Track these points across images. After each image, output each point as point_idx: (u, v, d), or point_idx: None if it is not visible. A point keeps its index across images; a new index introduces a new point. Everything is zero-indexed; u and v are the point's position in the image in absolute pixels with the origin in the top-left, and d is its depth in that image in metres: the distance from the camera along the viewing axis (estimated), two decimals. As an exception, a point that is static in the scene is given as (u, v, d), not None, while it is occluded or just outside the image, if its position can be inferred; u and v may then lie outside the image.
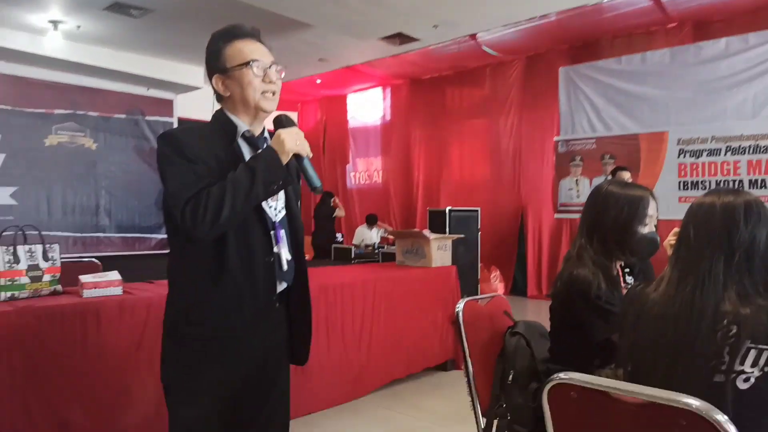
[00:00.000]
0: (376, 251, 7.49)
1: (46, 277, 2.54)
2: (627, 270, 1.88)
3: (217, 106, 1.59)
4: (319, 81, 9.35)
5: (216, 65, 1.53)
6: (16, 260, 2.45)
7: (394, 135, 10.00)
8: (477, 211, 6.90)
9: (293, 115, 10.98)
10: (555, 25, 6.82)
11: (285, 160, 1.44)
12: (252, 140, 1.55)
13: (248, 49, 1.52)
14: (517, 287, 8.19)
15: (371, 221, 8.40)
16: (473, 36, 7.11)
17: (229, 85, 1.52)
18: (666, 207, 6.13)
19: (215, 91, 1.56)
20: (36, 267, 2.50)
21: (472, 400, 1.87)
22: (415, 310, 4.03)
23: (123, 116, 8.22)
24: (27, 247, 2.50)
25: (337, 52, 7.62)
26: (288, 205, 1.61)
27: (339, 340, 3.51)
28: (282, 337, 1.63)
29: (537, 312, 6.95)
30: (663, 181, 6.81)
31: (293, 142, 1.45)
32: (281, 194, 1.58)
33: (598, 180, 7.22)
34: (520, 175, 8.26)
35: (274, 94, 1.54)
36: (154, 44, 7.25)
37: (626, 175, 5.02)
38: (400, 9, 5.77)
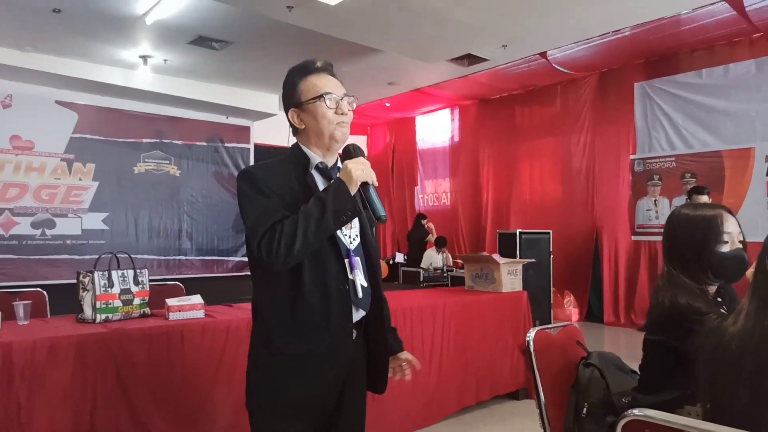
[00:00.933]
0: (445, 275, 7.47)
1: (137, 301, 2.72)
2: (719, 300, 1.78)
3: (293, 139, 1.68)
4: (388, 104, 9.52)
5: (292, 99, 1.62)
6: (111, 284, 2.64)
7: (462, 156, 9.98)
8: (548, 233, 6.75)
9: (362, 140, 11.21)
10: (629, 40, 6.63)
11: (353, 190, 1.49)
12: (325, 171, 1.62)
13: (321, 83, 1.60)
14: (592, 313, 7.88)
15: (440, 244, 8.39)
16: (543, 54, 7.04)
17: (304, 118, 1.61)
18: (754, 227, 5.76)
19: (291, 125, 1.65)
20: (128, 291, 2.69)
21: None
22: (485, 337, 3.98)
23: (204, 144, 8.72)
24: (120, 271, 2.69)
25: (406, 75, 7.75)
26: (362, 233, 1.66)
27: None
28: (360, 363, 1.67)
29: (614, 340, 6.67)
30: (750, 200, 6.41)
31: (360, 171, 1.50)
32: (355, 222, 1.64)
33: (679, 200, 6.89)
34: (593, 195, 8.02)
35: (346, 124, 1.61)
36: (232, 74, 7.66)
37: (703, 199, 4.77)
38: (469, 30, 5.81)
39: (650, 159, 7.42)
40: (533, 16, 5.55)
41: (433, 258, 8.35)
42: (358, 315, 1.62)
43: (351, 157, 1.57)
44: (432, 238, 8.85)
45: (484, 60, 6.93)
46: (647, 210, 7.43)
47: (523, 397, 4.17)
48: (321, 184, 1.60)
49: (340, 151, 1.65)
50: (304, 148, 1.63)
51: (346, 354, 1.59)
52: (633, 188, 7.59)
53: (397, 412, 3.38)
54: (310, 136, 1.62)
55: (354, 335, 1.61)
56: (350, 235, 1.63)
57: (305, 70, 1.63)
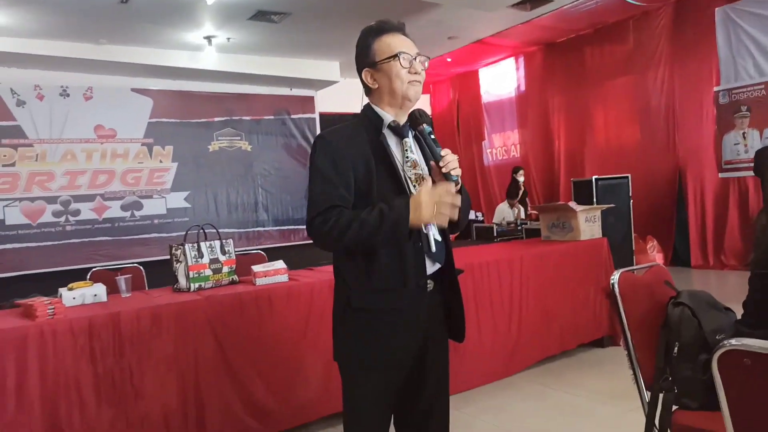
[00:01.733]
0: (519, 228, 7.34)
1: (225, 269, 2.88)
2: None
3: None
4: (449, 60, 9.31)
5: (365, 60, 1.64)
6: (200, 255, 2.81)
7: (530, 105, 9.66)
8: (627, 177, 6.44)
9: (425, 99, 11.06)
10: (707, -38, 6.12)
11: (415, 226, 1.50)
12: (397, 129, 1.65)
13: (395, 42, 1.61)
14: (678, 257, 7.54)
15: (512, 195, 8.23)
16: (612, -12, 6.62)
17: (378, 77, 1.63)
18: None
19: (364, 85, 1.67)
20: (216, 260, 2.85)
21: (635, 374, 1.81)
22: (565, 286, 3.92)
23: (272, 117, 8.92)
24: (208, 243, 2.86)
25: (466, 27, 7.53)
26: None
27: (489, 319, 3.54)
28: (439, 314, 1.71)
29: (704, 281, 6.39)
30: None
31: (430, 214, 1.48)
32: (427, 176, 1.64)
33: (772, 131, 6.39)
34: (674, 134, 7.57)
35: (419, 83, 1.63)
36: (293, 46, 7.74)
37: None
38: (529, -27, 5.55)
39: (737, 89, 6.89)
40: (598, -53, 5.22)
41: (504, 212, 8.22)
42: (433, 268, 1.65)
43: (416, 123, 1.61)
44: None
45: (548, 1, 6.60)
46: (735, 144, 6.95)
47: (608, 345, 4.11)
48: (393, 144, 1.64)
49: (407, 116, 1.67)
50: (376, 108, 1.66)
51: (423, 307, 1.63)
52: (718, 122, 7.11)
53: (479, 363, 3.43)
54: (384, 96, 1.64)
55: (432, 286, 1.65)
56: None
57: (379, 30, 1.64)
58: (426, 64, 1.65)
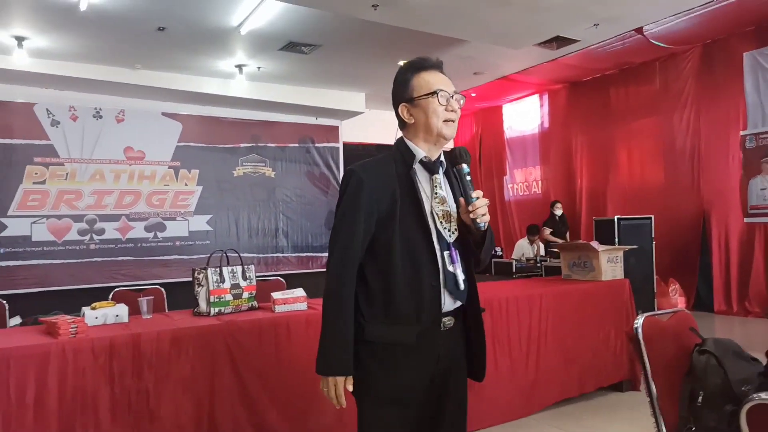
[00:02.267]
0: (539, 264, 7.28)
1: (245, 295, 2.90)
2: None
3: (398, 133, 1.74)
4: (474, 94, 9.40)
5: (403, 95, 1.67)
6: (222, 280, 2.84)
7: (553, 142, 9.67)
8: (650, 218, 6.40)
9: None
10: (736, 6, 6.13)
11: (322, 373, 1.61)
12: (428, 165, 1.67)
13: (434, 79, 1.65)
14: (701, 302, 7.39)
15: (533, 232, 8.18)
16: (639, 30, 6.64)
17: (414, 113, 1.66)
18: None
19: (399, 119, 1.70)
20: (237, 286, 2.87)
21: (656, 422, 1.77)
22: (585, 327, 3.86)
23: (296, 145, 9.05)
24: (230, 268, 2.89)
25: (491, 63, 7.63)
26: (460, 225, 1.69)
27: (506, 356, 3.49)
28: (459, 352, 1.70)
29: (727, 329, 6.24)
30: None
31: (324, 389, 1.61)
32: (455, 213, 1.67)
33: (800, 177, 6.30)
34: (699, 176, 7.50)
35: (454, 122, 1.65)
36: (321, 76, 7.90)
37: None
38: (556, 12, 5.60)
39: (764, 134, 6.83)
40: (625, -10, 5.28)
41: (524, 248, 8.16)
42: (455, 305, 1.65)
43: (456, 162, 1.64)
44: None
45: (574, 41, 6.66)
46: (761, 189, 6.86)
47: (628, 389, 4.02)
48: (423, 179, 1.66)
49: (447, 150, 1.71)
50: (409, 143, 1.69)
51: (440, 344, 1.62)
52: (744, 166, 7.03)
53: (495, 401, 3.38)
54: (419, 131, 1.67)
55: (452, 324, 1.65)
56: (450, 228, 1.66)
57: (418, 66, 1.67)
58: (462, 102, 1.68)
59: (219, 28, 6.04)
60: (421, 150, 1.67)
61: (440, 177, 1.68)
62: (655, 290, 6.35)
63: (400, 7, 5.24)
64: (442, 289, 1.61)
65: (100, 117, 7.62)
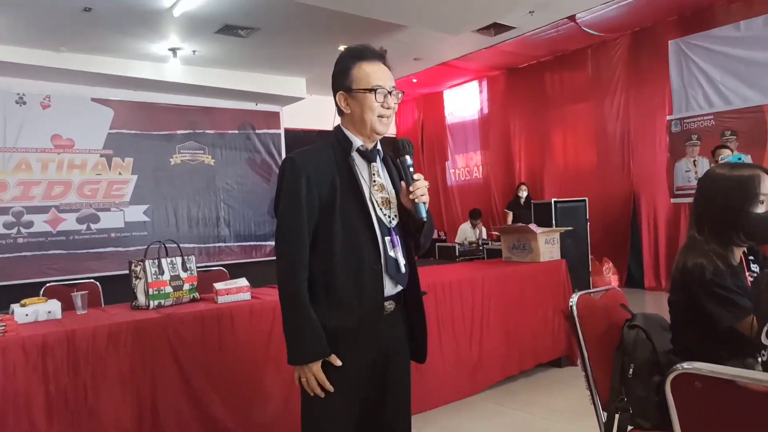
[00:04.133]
0: (481, 248, 7.46)
1: (186, 286, 2.83)
2: (751, 258, 1.79)
3: (336, 119, 1.74)
4: (415, 80, 9.46)
5: (342, 83, 1.66)
6: (161, 272, 2.76)
7: (492, 128, 9.88)
8: (584, 201, 6.66)
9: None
10: (660, -4, 6.42)
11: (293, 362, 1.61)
12: (365, 154, 1.69)
13: (374, 73, 1.63)
14: (632, 279, 7.79)
15: (475, 216, 8.36)
16: (572, 17, 6.86)
17: (351, 104, 1.66)
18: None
19: (337, 106, 1.69)
20: (177, 277, 2.80)
21: (592, 395, 1.86)
22: (525, 307, 4.00)
23: (236, 132, 8.85)
24: (169, 259, 2.81)
25: (431, 49, 7.69)
26: (400, 210, 1.71)
27: (451, 338, 3.57)
28: (401, 335, 1.73)
29: (656, 304, 6.59)
30: (796, 155, 6.20)
31: (297, 375, 1.62)
32: (394, 200, 1.69)
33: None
34: (629, 159, 7.86)
35: (389, 118, 1.66)
36: (260, 61, 7.73)
37: (726, 153, 4.67)
38: (493, -1, 5.71)
39: (688, 119, 7.21)
40: (559, -21, 5.43)
41: (467, 232, 8.34)
42: (396, 289, 1.67)
43: (398, 154, 1.66)
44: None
45: (511, 28, 6.81)
46: (686, 171, 7.26)
47: (566, 365, 4.20)
48: (361, 165, 1.67)
49: (382, 143, 1.73)
50: (346, 131, 1.69)
51: (382, 328, 1.64)
52: (671, 150, 7.42)
53: (440, 382, 3.45)
54: (354, 122, 1.67)
55: (393, 307, 1.67)
56: (389, 214, 1.68)
57: (360, 56, 1.65)
58: (400, 98, 1.68)
59: (150, 9, 5.78)
60: (357, 140, 1.68)
61: (378, 165, 1.70)
62: (590, 269, 6.63)
63: (340, -9, 5.19)
64: (383, 274, 1.63)
65: (24, 103, 7.19)
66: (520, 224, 4.62)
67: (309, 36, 6.79)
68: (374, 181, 1.67)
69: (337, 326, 1.59)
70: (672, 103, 7.37)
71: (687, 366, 1.21)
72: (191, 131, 8.43)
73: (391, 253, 1.64)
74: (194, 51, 7.12)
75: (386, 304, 1.65)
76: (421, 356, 1.77)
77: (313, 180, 1.59)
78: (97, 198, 7.69)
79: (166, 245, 2.89)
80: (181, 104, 8.33)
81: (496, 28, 6.75)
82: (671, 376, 1.24)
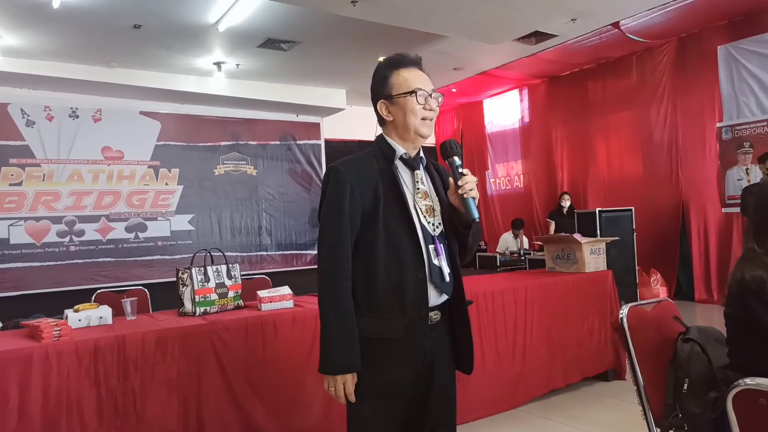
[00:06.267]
0: (522, 258, 7.34)
1: (231, 294, 2.88)
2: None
3: (378, 130, 1.74)
4: (454, 90, 9.43)
5: (382, 92, 1.67)
6: (207, 279, 2.81)
7: (533, 137, 9.74)
8: (630, 210, 6.49)
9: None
10: (708, 1, 6.23)
11: (326, 371, 1.59)
12: (409, 162, 1.68)
13: (412, 77, 1.64)
14: (681, 291, 7.52)
15: (517, 227, 8.24)
16: (616, 24, 6.72)
17: (393, 110, 1.66)
18: None
19: (378, 115, 1.70)
20: (222, 285, 2.85)
21: (644, 410, 1.80)
22: (570, 318, 3.91)
23: (277, 142, 9.00)
24: (214, 267, 2.86)
25: (471, 59, 7.66)
26: (444, 219, 1.69)
27: (493, 349, 3.52)
28: (445, 346, 1.70)
29: (707, 317, 6.35)
30: None
31: (326, 386, 1.59)
32: (438, 207, 1.68)
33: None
34: (678, 168, 7.62)
35: (432, 120, 1.66)
36: (301, 73, 7.85)
37: None
38: (534, 7, 5.65)
39: (739, 125, 6.96)
40: (603, -15, 5.34)
41: (508, 242, 8.23)
42: (441, 299, 1.65)
43: (447, 155, 1.64)
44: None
45: (552, 36, 6.72)
46: (738, 180, 6.99)
47: (613, 378, 4.07)
48: (404, 174, 1.67)
49: (439, 147, 1.72)
50: (389, 139, 1.69)
51: (426, 338, 1.62)
52: (721, 158, 7.16)
53: (482, 394, 3.40)
54: (397, 129, 1.67)
55: (438, 318, 1.65)
56: (434, 222, 1.66)
57: (397, 63, 1.67)
58: (440, 101, 1.68)
59: (196, 25, 5.96)
60: (400, 147, 1.67)
61: (421, 173, 1.69)
62: (637, 280, 6.44)
63: (379, 3, 5.23)
64: (428, 283, 1.61)
65: (77, 116, 7.49)
66: (564, 234, 4.53)
67: (349, 48, 6.86)
68: (418, 188, 1.66)
69: (380, 336, 1.58)
70: (722, 109, 7.13)
71: (750, 382, 1.16)
72: (234, 142, 8.62)
73: (435, 262, 1.62)
74: (238, 64, 7.30)
75: (432, 314, 1.63)
76: (467, 367, 1.75)
77: (356, 188, 1.59)
78: (145, 207, 7.92)
79: (212, 254, 2.95)
80: (225, 116, 8.54)
81: (537, 36, 6.68)
82: (733, 392, 1.18)
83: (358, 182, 1.60)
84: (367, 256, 1.59)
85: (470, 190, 1.59)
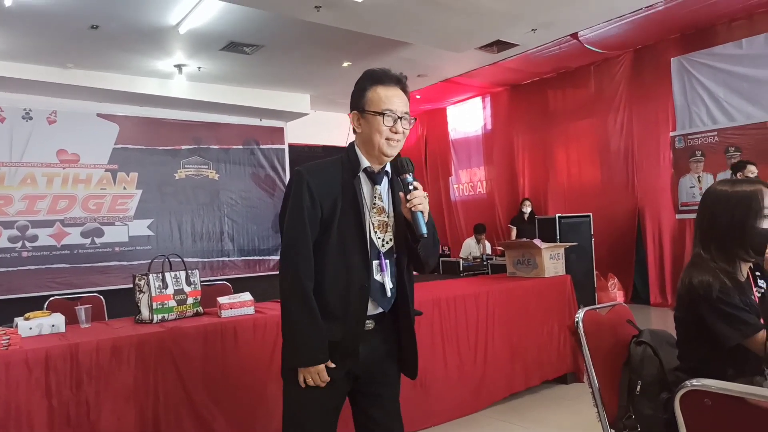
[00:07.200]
0: (485, 263, 7.44)
1: (190, 300, 2.83)
2: (758, 274, 1.78)
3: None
4: (418, 96, 9.50)
5: (357, 103, 1.71)
6: (165, 286, 2.75)
7: (496, 144, 9.90)
8: (589, 216, 6.65)
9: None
10: (663, 14, 6.45)
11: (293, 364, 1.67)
12: (372, 175, 1.72)
13: (387, 96, 1.67)
14: (638, 295, 7.74)
15: (480, 231, 8.34)
16: (574, 35, 6.91)
17: (363, 124, 1.70)
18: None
19: (351, 124, 1.75)
20: (181, 291, 2.80)
21: (599, 412, 1.84)
22: (530, 322, 3.97)
23: (240, 147, 8.89)
24: (173, 273, 2.80)
25: (435, 66, 7.73)
26: (396, 237, 1.74)
27: (455, 354, 3.54)
28: (388, 350, 1.77)
29: (662, 320, 6.54)
30: (801, 171, 6.18)
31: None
32: (391, 225, 1.72)
33: (724, 175, 6.69)
34: (634, 175, 7.85)
35: (398, 141, 1.68)
36: (264, 77, 7.79)
37: (753, 169, 4.62)
38: (496, 17, 5.75)
39: (691, 135, 7.22)
40: (562, -3, 5.47)
41: (471, 247, 8.32)
42: (377, 310, 1.72)
43: (399, 173, 1.68)
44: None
45: (513, 45, 6.85)
46: (690, 187, 7.25)
47: (572, 381, 4.15)
48: (366, 187, 1.71)
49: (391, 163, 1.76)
50: (357, 150, 1.73)
51: (369, 340, 1.70)
52: (675, 166, 7.42)
53: (443, 399, 3.42)
54: (364, 143, 1.71)
55: (373, 326, 1.71)
56: (384, 238, 1.71)
57: (377, 79, 1.69)
58: (412, 123, 1.71)
59: (156, 27, 5.85)
60: (365, 160, 1.71)
61: (381, 188, 1.72)
62: (596, 285, 6.60)
63: (343, 9, 5.24)
64: (378, 294, 1.69)
65: (30, 118, 7.25)
66: (525, 239, 4.61)
67: (313, 53, 6.85)
68: (374, 203, 1.71)
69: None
70: (675, 119, 7.39)
71: (696, 383, 1.20)
72: (196, 146, 8.48)
73: (377, 277, 1.69)
74: (199, 67, 7.19)
75: (367, 322, 1.70)
76: (411, 373, 1.82)
77: (317, 196, 1.64)
78: (102, 212, 7.71)
79: (170, 259, 2.89)
80: (186, 120, 8.39)
81: (499, 45, 6.80)
82: (680, 393, 1.22)
83: (319, 191, 1.65)
84: (318, 261, 1.65)
85: (418, 204, 1.62)
